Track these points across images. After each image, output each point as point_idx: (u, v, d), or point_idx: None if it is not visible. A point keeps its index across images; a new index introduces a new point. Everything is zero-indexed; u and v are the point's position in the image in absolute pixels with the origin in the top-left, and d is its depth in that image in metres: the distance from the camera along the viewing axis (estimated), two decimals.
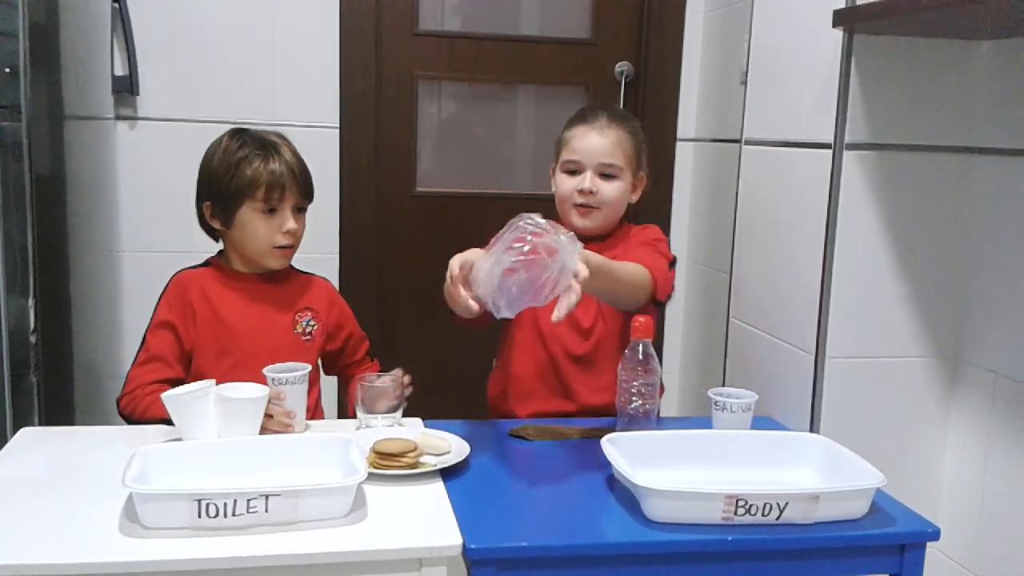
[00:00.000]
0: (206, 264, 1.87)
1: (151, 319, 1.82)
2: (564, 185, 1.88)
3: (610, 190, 1.85)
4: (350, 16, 2.55)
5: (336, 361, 1.96)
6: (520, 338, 1.90)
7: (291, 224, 1.79)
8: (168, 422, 1.56)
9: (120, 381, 2.43)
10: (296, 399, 1.64)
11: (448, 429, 1.66)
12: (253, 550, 1.23)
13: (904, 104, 1.76)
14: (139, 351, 1.80)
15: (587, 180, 1.84)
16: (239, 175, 1.76)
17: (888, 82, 1.75)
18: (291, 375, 1.64)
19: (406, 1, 2.61)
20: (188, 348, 1.80)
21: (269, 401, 1.58)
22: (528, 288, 1.36)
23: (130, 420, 1.74)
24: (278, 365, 1.67)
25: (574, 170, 1.87)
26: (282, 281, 1.87)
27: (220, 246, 1.88)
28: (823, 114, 1.80)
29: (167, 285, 1.84)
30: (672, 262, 1.84)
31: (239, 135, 1.82)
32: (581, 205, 1.86)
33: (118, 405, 1.77)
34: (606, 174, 1.84)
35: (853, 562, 1.42)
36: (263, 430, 1.57)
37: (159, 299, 1.83)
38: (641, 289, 1.70)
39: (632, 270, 1.69)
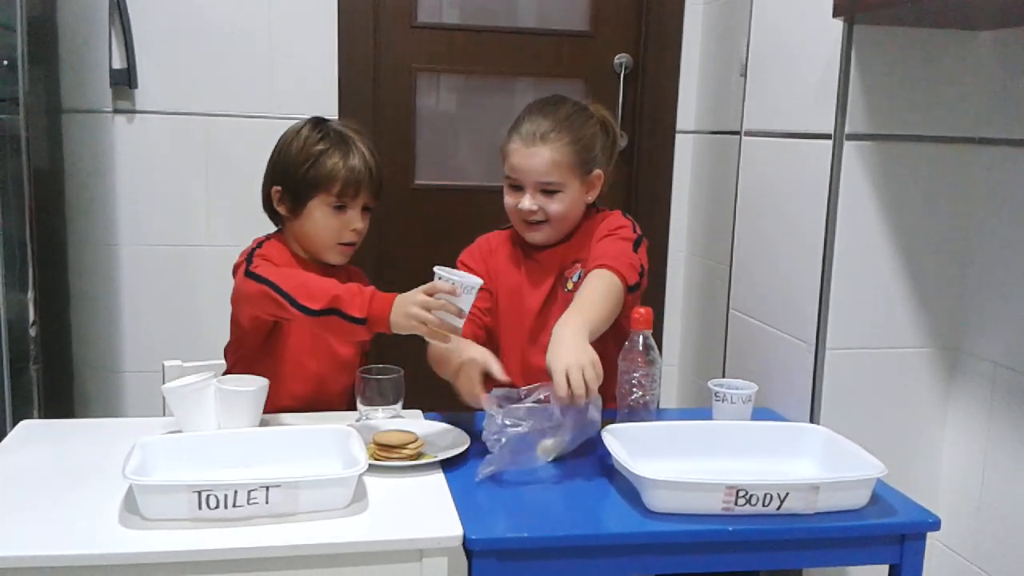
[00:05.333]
0: (271, 237, 1.83)
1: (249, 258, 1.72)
2: (508, 200, 1.81)
3: (554, 207, 1.76)
4: (348, 8, 2.54)
5: None
6: (509, 347, 1.86)
7: (359, 223, 1.79)
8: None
9: (119, 373, 2.43)
10: (466, 310, 1.48)
11: (448, 421, 1.66)
12: (253, 541, 1.23)
13: (904, 94, 1.75)
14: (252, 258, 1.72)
15: (527, 200, 1.76)
16: (317, 167, 1.75)
17: (888, 73, 1.74)
18: (463, 279, 1.47)
19: None
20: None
21: (438, 295, 1.45)
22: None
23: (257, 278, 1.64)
24: (447, 270, 1.51)
25: (516, 186, 1.79)
26: (331, 273, 1.81)
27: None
28: (823, 105, 1.79)
29: (260, 245, 1.78)
30: (638, 241, 1.77)
31: (320, 126, 1.81)
32: (527, 221, 1.80)
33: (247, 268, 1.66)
34: (547, 191, 1.76)
35: (853, 552, 1.42)
36: (419, 326, 1.46)
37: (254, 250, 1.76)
38: (618, 295, 1.65)
39: (603, 287, 1.64)
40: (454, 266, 1.84)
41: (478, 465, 1.51)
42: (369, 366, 1.70)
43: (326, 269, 1.82)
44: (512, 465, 1.48)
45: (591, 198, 1.83)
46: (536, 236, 1.82)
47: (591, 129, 1.81)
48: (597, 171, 1.82)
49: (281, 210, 1.82)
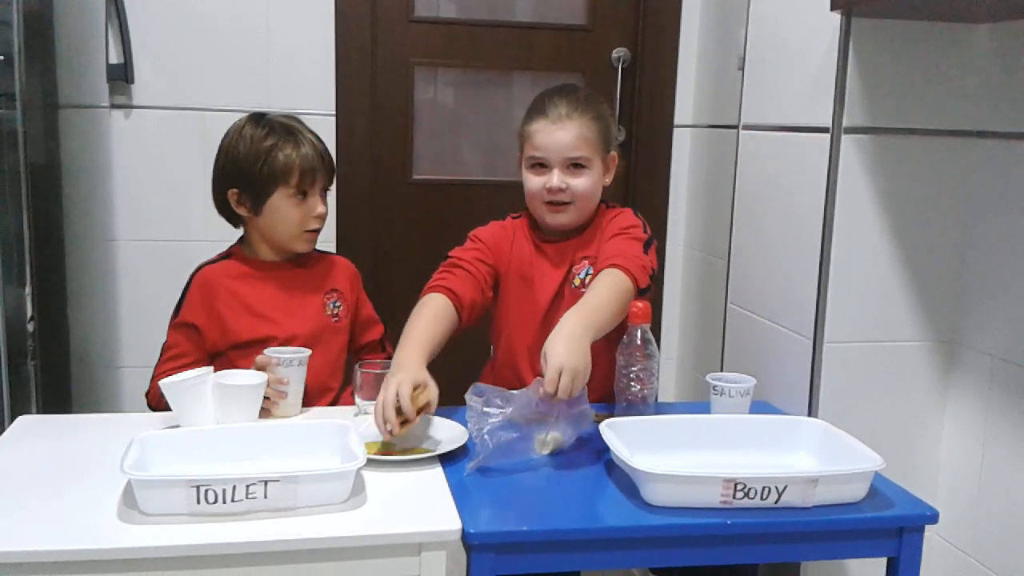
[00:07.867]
0: (228, 256, 1.87)
1: (174, 315, 1.82)
2: (532, 183, 1.80)
3: (581, 184, 1.78)
4: (345, 2, 2.53)
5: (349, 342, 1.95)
6: (519, 344, 1.86)
7: (321, 208, 1.83)
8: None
9: (117, 369, 2.42)
10: (294, 380, 1.67)
11: (447, 415, 1.66)
12: (252, 536, 1.23)
13: (902, 88, 1.75)
14: (163, 349, 1.82)
15: (555, 178, 1.77)
16: (271, 161, 1.77)
17: (886, 66, 1.74)
18: (288, 356, 1.67)
19: None
20: (211, 349, 1.80)
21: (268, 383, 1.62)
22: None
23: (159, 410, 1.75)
24: (277, 349, 1.71)
25: (541, 164, 1.80)
26: (307, 264, 1.89)
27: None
28: (821, 98, 1.79)
29: (190, 283, 1.83)
30: (648, 242, 1.77)
31: (261, 121, 1.82)
32: (552, 203, 1.79)
33: (147, 399, 1.79)
34: (575, 166, 1.77)
35: (851, 545, 1.42)
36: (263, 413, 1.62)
37: (182, 296, 1.82)
38: (627, 298, 1.65)
39: (613, 288, 1.64)
40: (463, 243, 1.88)
41: None
42: (370, 359, 1.71)
43: (296, 260, 1.87)
44: (500, 457, 1.48)
45: (608, 180, 1.85)
46: (561, 218, 1.81)
47: (607, 111, 1.86)
48: (613, 152, 1.85)
49: (241, 211, 1.83)
